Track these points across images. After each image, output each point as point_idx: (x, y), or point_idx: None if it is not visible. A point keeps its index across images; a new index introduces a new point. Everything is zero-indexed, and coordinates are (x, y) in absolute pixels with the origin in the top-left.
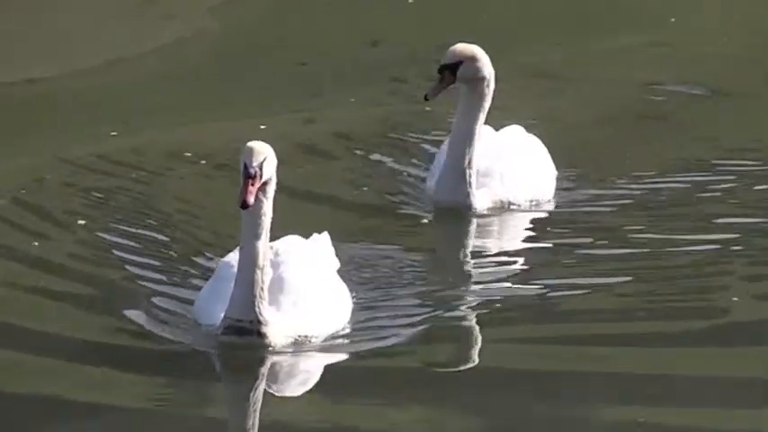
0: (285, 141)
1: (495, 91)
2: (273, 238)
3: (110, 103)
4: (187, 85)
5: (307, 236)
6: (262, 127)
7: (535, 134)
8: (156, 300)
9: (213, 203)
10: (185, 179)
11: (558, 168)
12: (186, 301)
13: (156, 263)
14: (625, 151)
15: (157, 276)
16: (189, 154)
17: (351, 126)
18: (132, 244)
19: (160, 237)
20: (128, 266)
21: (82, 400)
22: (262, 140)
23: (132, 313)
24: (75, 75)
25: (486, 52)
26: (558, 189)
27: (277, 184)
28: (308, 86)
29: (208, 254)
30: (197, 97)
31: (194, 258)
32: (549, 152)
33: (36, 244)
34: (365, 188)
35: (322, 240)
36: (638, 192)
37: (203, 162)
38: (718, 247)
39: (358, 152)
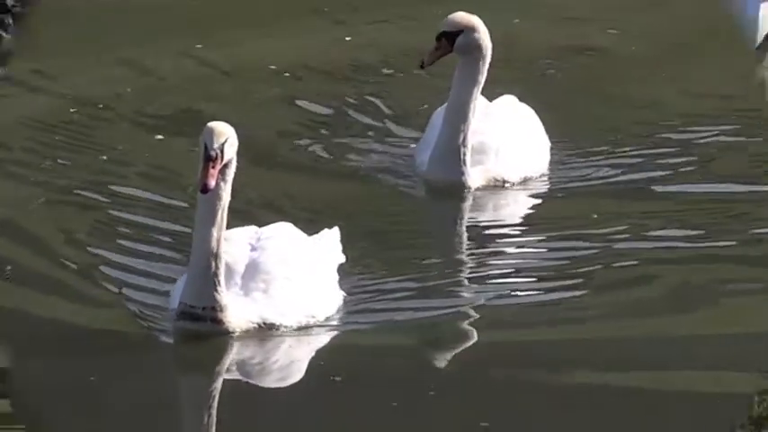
0: (367, 54)
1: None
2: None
3: (196, 15)
4: None
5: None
6: (347, 39)
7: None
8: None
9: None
10: (268, 92)
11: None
12: None
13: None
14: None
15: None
16: (273, 67)
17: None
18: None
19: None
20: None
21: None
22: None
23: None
24: None
25: None
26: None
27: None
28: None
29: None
30: (282, 9)
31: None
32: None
33: (104, 158)
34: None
35: (330, 236)
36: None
37: (286, 74)
38: None
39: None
